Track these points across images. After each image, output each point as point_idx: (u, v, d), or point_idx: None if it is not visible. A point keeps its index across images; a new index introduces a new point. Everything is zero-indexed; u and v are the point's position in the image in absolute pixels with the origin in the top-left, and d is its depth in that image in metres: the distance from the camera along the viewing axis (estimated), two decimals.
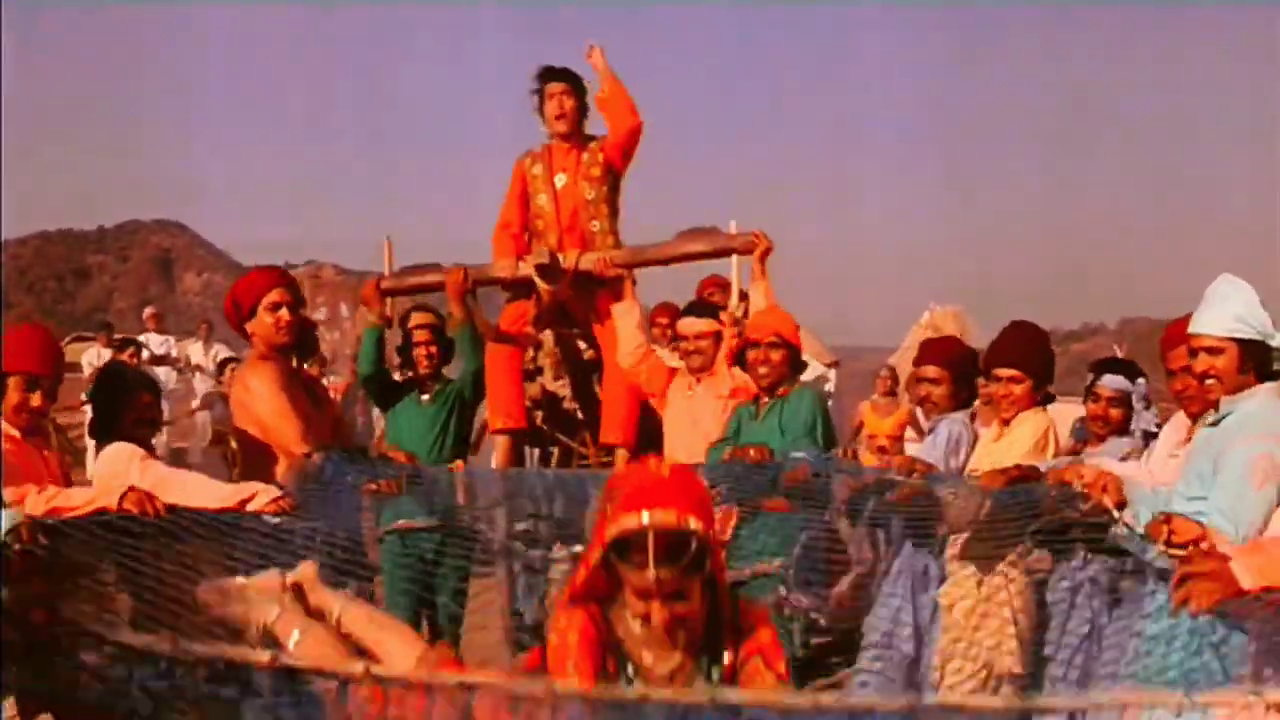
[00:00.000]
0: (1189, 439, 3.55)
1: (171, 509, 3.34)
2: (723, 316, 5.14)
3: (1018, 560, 3.64)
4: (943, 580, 3.84)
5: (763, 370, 4.56)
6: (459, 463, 4.96)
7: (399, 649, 2.87)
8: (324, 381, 6.88)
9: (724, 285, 5.91)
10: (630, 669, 2.34)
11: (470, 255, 5.53)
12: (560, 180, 5.48)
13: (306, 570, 3.07)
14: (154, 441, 4.10)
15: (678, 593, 2.24)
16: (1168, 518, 2.86)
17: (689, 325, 4.95)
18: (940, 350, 4.54)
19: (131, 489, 3.35)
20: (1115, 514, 3.13)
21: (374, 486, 4.07)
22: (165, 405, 4.46)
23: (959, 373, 4.41)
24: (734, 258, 5.49)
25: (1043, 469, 3.74)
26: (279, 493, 3.59)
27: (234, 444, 4.38)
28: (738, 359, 4.79)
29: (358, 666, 2.09)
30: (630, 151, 5.44)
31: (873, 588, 4.03)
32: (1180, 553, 2.78)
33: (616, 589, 2.35)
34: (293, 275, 4.42)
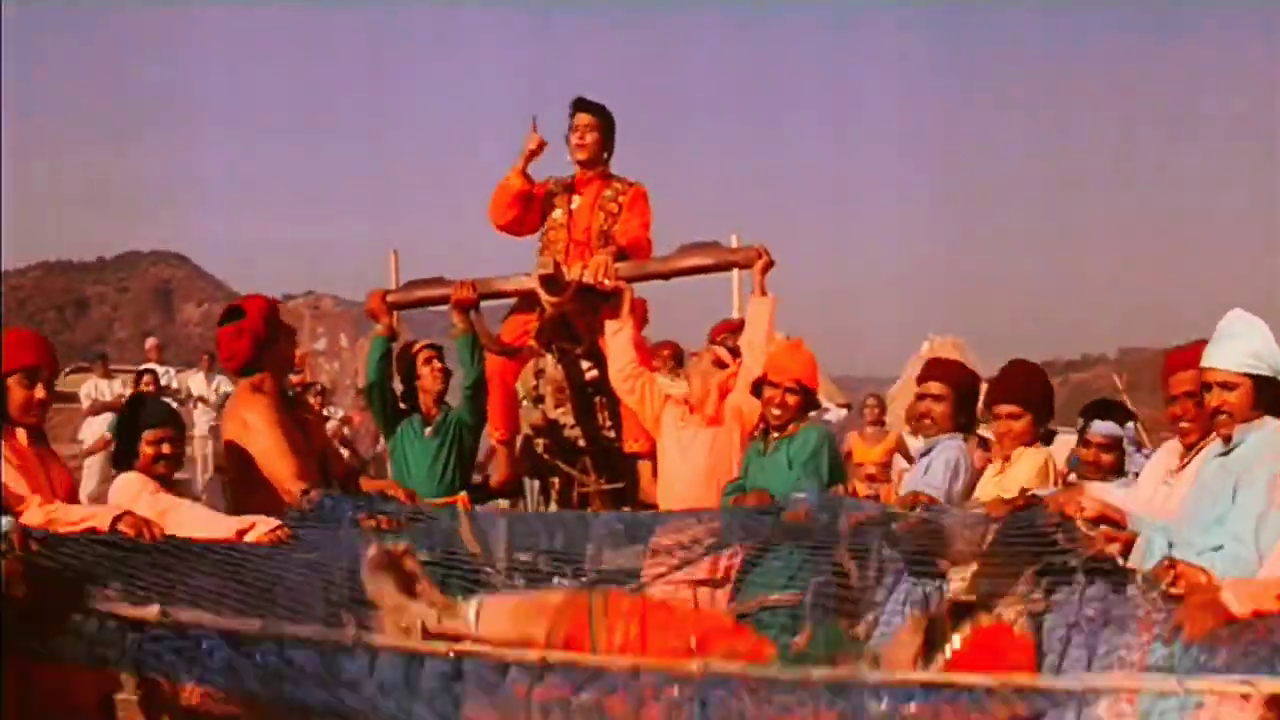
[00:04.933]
0: (1182, 467, 3.55)
1: (170, 537, 3.39)
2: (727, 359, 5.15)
3: (1016, 600, 3.68)
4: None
5: (776, 411, 4.59)
6: (463, 495, 5.00)
7: None
8: (324, 413, 6.92)
9: (737, 330, 5.73)
10: None
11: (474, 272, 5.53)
12: (576, 201, 5.60)
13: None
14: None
15: None
16: (1172, 563, 2.88)
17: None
18: (946, 368, 4.55)
19: (128, 512, 3.40)
20: (1121, 561, 3.14)
21: (373, 521, 4.11)
22: None
23: (961, 393, 4.38)
24: (735, 272, 5.48)
25: (1044, 495, 3.72)
26: (277, 523, 3.68)
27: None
28: (755, 391, 4.78)
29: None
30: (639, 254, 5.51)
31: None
32: (1179, 591, 2.81)
33: None
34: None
